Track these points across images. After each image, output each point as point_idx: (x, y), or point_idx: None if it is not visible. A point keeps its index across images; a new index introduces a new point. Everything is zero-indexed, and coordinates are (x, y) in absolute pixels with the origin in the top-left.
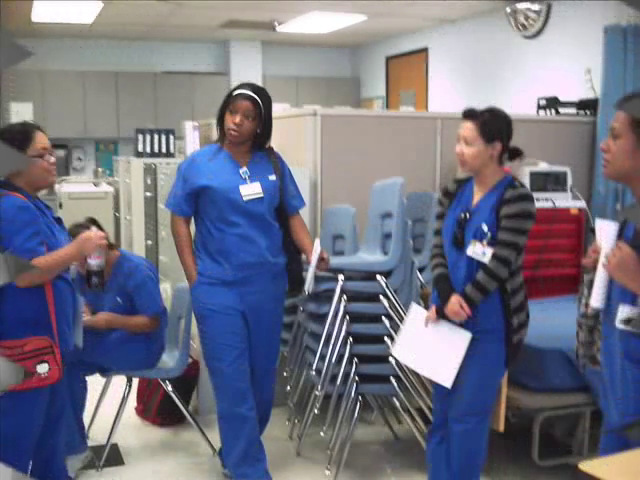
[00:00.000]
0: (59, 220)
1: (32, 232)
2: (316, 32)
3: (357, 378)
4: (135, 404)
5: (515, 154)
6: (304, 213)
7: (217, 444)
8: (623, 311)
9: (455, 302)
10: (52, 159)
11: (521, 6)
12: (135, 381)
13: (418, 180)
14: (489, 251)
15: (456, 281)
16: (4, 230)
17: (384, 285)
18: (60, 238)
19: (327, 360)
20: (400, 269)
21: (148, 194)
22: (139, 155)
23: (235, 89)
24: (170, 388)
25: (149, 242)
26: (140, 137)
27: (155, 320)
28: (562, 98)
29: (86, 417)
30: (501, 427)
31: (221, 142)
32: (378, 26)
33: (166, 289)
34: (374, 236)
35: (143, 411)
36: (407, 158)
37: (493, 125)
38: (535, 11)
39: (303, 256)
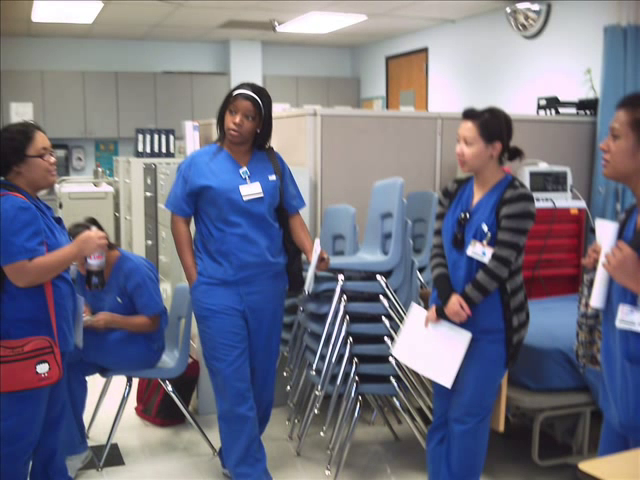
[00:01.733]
0: (59, 220)
1: (32, 232)
2: (316, 32)
3: (357, 378)
4: (135, 404)
5: (515, 154)
6: (304, 213)
7: (217, 444)
8: (623, 311)
9: (455, 302)
10: (52, 159)
11: (521, 6)
12: (135, 381)
13: (418, 180)
14: (489, 251)
15: (456, 281)
16: (4, 230)
17: (384, 285)
18: (60, 238)
19: (327, 360)
20: (400, 269)
21: (148, 194)
22: (139, 155)
23: (235, 89)
24: (170, 388)
25: (149, 242)
26: (140, 137)
27: (155, 320)
28: (562, 98)
29: (86, 417)
30: (501, 427)
31: (221, 142)
32: (378, 26)
33: (166, 289)
34: (374, 236)
35: (143, 411)
36: (407, 158)
37: (493, 125)
38: (535, 11)
39: (303, 256)
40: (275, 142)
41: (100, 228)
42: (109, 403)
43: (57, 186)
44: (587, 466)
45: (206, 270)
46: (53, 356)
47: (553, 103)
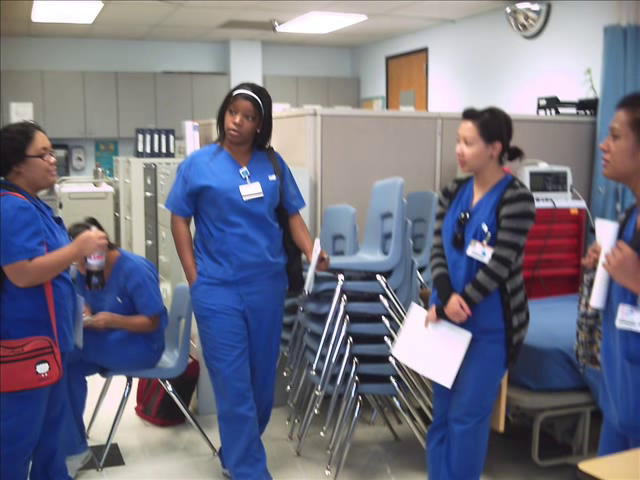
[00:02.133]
0: (59, 220)
1: (32, 232)
2: (316, 32)
3: (357, 378)
4: (135, 404)
5: (515, 154)
6: (304, 213)
7: (217, 444)
8: (623, 311)
9: (455, 302)
10: (52, 159)
11: (521, 6)
12: (135, 381)
13: (418, 180)
14: (489, 251)
15: (456, 281)
16: (4, 230)
17: (384, 285)
18: (60, 238)
19: (327, 360)
20: (400, 269)
21: (148, 194)
22: (139, 155)
23: (235, 89)
24: (170, 388)
25: (149, 242)
26: (140, 137)
27: (155, 320)
28: (562, 98)
29: (86, 417)
30: (501, 427)
31: (221, 142)
32: (378, 26)
33: (166, 289)
34: (374, 236)
35: (143, 411)
36: (407, 158)
37: (493, 125)
38: (535, 11)
39: (303, 256)
40: (275, 142)
41: (100, 228)
42: (109, 403)
43: (57, 186)
44: (587, 466)
45: (206, 270)
46: (53, 356)
47: (553, 103)
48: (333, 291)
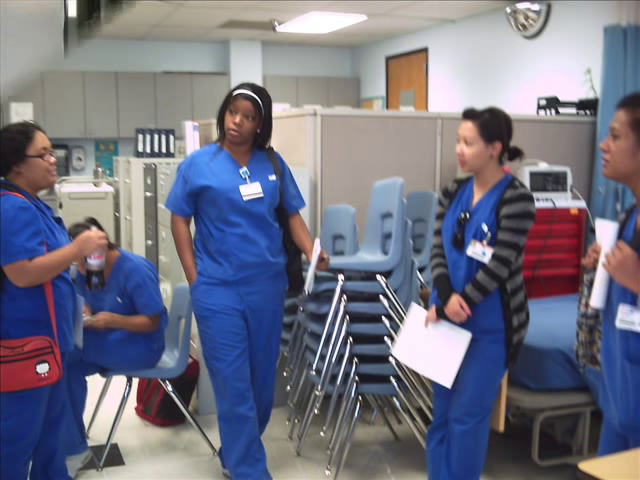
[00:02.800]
0: (59, 220)
1: (32, 232)
2: (316, 32)
3: (357, 378)
4: (135, 404)
5: (515, 154)
6: (304, 213)
7: (217, 444)
8: (623, 311)
9: (455, 302)
10: (52, 159)
11: (521, 6)
12: (135, 381)
13: (418, 180)
14: (489, 251)
15: (456, 281)
16: (4, 230)
17: (384, 285)
18: (60, 238)
19: (327, 360)
20: (400, 269)
21: (148, 194)
22: (139, 155)
23: (235, 89)
24: (170, 388)
25: (149, 242)
26: (140, 137)
27: (155, 320)
28: (562, 98)
29: (86, 417)
30: (501, 427)
31: (221, 142)
32: (378, 26)
33: (166, 289)
34: (374, 236)
35: (143, 411)
36: (407, 158)
37: (493, 125)
38: (535, 11)
39: (303, 256)
40: (275, 142)
41: (100, 228)
42: (109, 403)
43: (57, 186)
44: (587, 466)
45: (206, 270)
46: (53, 356)
47: (553, 103)
48: (333, 291)
